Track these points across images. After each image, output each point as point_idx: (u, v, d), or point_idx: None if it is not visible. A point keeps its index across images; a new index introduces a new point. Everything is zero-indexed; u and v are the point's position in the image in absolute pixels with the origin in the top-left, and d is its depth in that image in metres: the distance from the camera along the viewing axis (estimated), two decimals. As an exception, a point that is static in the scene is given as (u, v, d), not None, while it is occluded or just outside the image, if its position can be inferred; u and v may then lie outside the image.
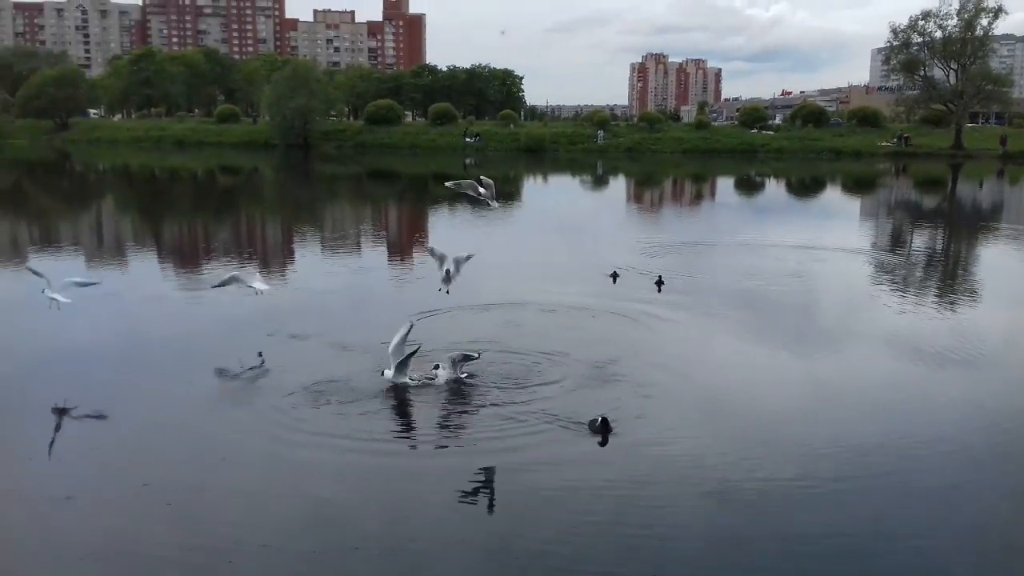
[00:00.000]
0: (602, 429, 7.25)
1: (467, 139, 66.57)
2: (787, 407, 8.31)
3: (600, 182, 45.06)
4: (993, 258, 19.42)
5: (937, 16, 61.73)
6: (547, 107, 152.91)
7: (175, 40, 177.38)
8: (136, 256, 19.04)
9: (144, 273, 16.35)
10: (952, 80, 62.96)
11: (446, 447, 7.33)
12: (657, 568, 5.36)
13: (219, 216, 26.81)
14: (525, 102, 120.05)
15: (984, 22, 60.68)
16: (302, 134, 66.20)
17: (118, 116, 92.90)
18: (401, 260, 18.38)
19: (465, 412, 8.00)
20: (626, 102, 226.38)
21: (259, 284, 11.11)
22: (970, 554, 5.60)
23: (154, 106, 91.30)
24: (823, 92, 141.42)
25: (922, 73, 64.49)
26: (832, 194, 40.67)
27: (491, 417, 7.78)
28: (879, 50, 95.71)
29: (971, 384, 9.14)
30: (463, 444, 7.33)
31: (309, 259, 18.24)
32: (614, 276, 14.38)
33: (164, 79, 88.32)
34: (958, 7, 60.74)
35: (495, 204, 10.64)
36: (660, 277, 13.90)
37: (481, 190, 9.97)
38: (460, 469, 6.79)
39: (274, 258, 18.50)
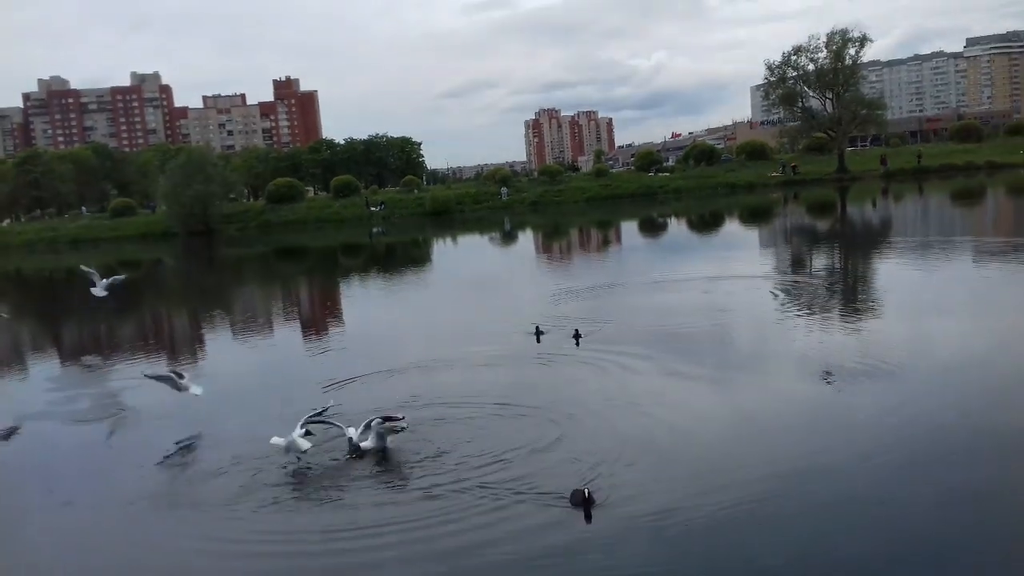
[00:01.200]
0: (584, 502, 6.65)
1: (371, 208, 66.49)
2: (716, 437, 8.35)
3: (509, 238, 45.48)
4: (888, 272, 20.26)
5: (808, 50, 65.29)
6: (448, 169, 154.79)
7: (61, 139, 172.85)
8: (34, 361, 18.20)
9: (42, 377, 15.63)
10: (829, 108, 66.30)
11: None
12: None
13: (121, 311, 25.91)
14: (426, 166, 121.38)
15: (852, 51, 64.37)
16: (202, 220, 64.88)
17: (7, 221, 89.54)
18: (316, 334, 18.05)
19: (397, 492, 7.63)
20: (524, 157, 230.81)
21: (195, 388, 10.79)
22: (901, 558, 5.70)
23: (44, 207, 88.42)
24: (711, 131, 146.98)
25: (800, 104, 67.78)
26: (731, 227, 41.98)
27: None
28: (758, 86, 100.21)
29: (881, 395, 9.40)
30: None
31: (220, 345, 17.76)
32: (538, 333, 13.84)
33: (53, 178, 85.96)
34: (826, 40, 64.38)
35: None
36: (577, 331, 13.43)
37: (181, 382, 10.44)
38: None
39: (183, 347, 17.93)
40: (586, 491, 6.69)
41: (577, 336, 13.27)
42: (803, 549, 5.97)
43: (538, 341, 13.55)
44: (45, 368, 17.01)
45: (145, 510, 7.75)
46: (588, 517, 6.52)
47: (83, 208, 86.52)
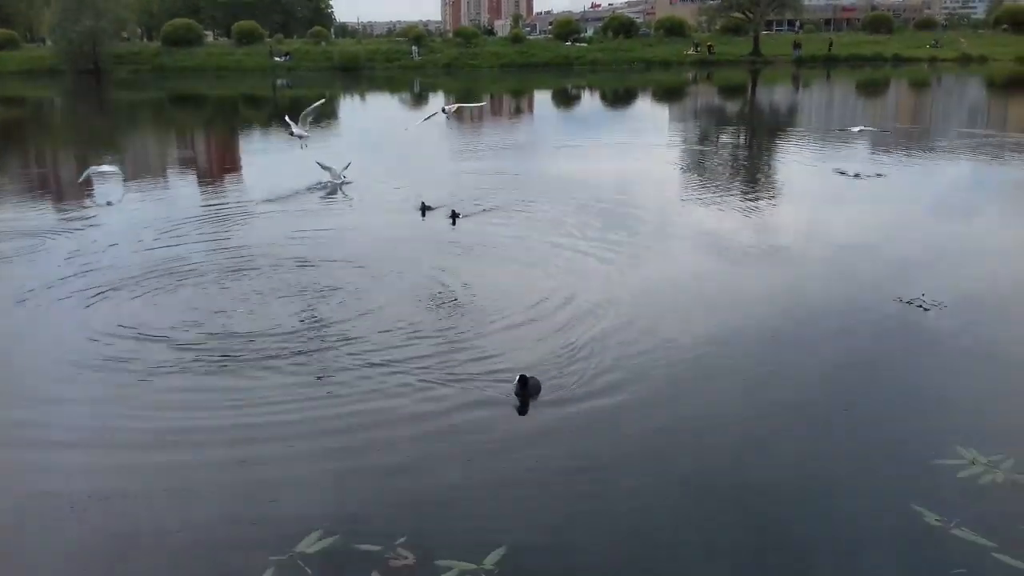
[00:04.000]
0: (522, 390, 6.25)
1: (276, 58, 63.57)
2: (615, 311, 8.39)
3: (420, 99, 44.38)
4: (786, 157, 20.80)
5: (732, -76, 64.10)
6: (359, 24, 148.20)
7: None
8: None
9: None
10: (748, -11, 65.91)
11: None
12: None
13: (5, 152, 24.43)
14: (335, 19, 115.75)
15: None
16: (92, 59, 60.88)
17: None
18: (212, 186, 17.48)
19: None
20: (439, 17, 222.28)
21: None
22: (785, 431, 6.07)
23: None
24: (630, 4, 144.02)
25: (720, -18, 67.12)
26: (643, 104, 42.00)
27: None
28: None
29: (773, 276, 9.84)
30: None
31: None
32: (423, 209, 13.18)
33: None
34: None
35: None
36: (453, 211, 12.74)
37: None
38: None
39: (71, 194, 17.12)
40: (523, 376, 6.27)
41: (454, 216, 12.59)
42: (697, 412, 6.26)
43: (423, 217, 13.01)
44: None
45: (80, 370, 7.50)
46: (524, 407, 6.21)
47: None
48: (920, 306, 8.36)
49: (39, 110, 42.36)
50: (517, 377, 6.26)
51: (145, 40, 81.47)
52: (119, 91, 51.21)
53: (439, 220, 12.73)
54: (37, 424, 6.16)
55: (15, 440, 5.97)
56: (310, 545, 4.57)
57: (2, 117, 38.36)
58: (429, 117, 10.21)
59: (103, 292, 9.18)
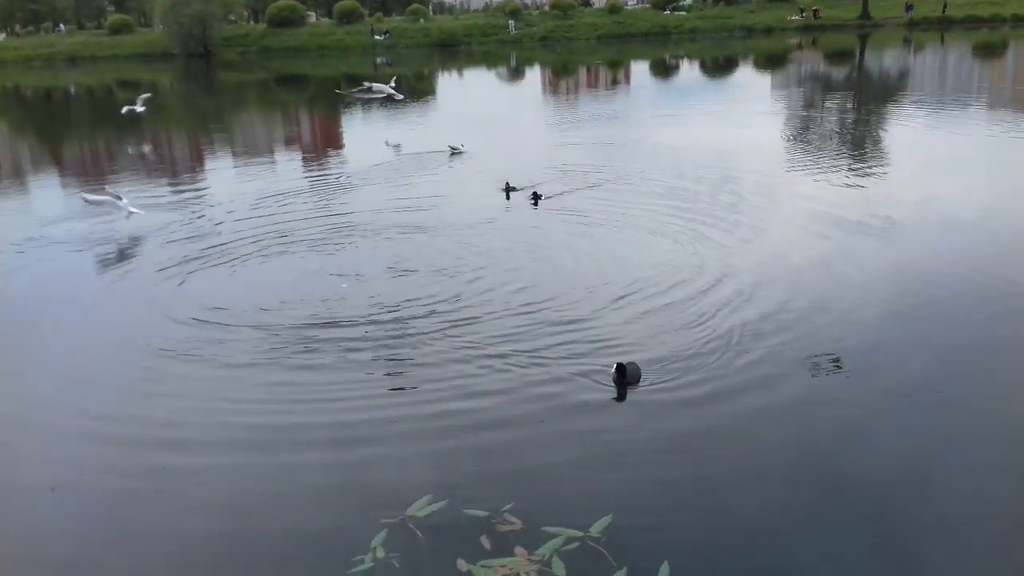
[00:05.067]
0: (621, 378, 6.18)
1: (376, 37, 64.48)
2: (723, 292, 8.28)
3: (516, 74, 44.33)
4: (899, 125, 19.95)
5: None
6: (456, 0, 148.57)
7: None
8: (38, 181, 18.21)
9: (48, 197, 15.75)
10: (857, -53, 63.05)
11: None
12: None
13: (122, 133, 25.64)
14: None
15: None
16: (202, 42, 63.19)
17: (2, 35, 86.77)
18: (318, 164, 17.97)
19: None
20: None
21: (133, 209, 11.61)
22: (893, 416, 5.89)
23: (40, 21, 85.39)
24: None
25: (828, -58, 64.38)
26: (745, 72, 40.88)
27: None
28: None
29: (884, 254, 9.47)
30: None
31: (223, 170, 17.73)
32: (508, 190, 12.93)
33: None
34: None
35: (400, 96, 10.76)
36: (535, 192, 12.51)
37: (389, 89, 10.35)
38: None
39: (184, 172, 17.88)
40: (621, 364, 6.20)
41: (536, 198, 12.39)
42: (799, 393, 6.13)
43: (507, 198, 12.74)
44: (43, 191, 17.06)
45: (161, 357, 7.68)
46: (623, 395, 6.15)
47: (61, 27, 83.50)
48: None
49: (154, 93, 44.18)
50: (615, 365, 6.22)
51: (251, 22, 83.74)
52: (228, 73, 52.95)
53: (523, 201, 12.52)
54: (147, 419, 6.50)
55: (132, 434, 6.13)
56: (420, 509, 4.72)
57: (121, 99, 40.21)
58: (361, 89, 9.97)
59: (203, 266, 9.65)
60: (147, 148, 20.41)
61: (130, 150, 20.91)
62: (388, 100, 10.21)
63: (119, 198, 11.60)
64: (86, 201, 11.89)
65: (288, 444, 5.67)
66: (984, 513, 4.60)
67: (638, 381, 6.19)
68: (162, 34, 68.27)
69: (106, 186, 13.16)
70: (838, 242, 9.85)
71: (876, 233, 10.10)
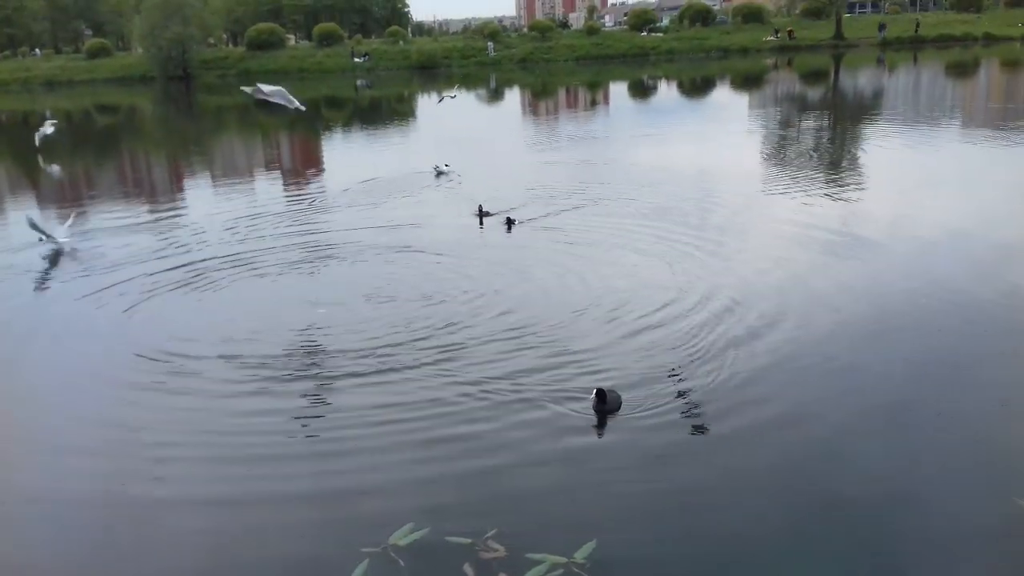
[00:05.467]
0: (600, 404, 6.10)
1: (356, 59, 64.65)
2: (706, 316, 8.33)
3: (495, 96, 44.55)
4: (874, 143, 20.15)
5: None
6: (435, 22, 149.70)
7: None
8: (15, 205, 18.03)
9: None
10: (830, -31, 64.03)
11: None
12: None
13: (101, 158, 25.49)
14: (412, 18, 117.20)
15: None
16: (181, 65, 63.14)
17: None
18: (296, 188, 17.91)
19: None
20: (514, 12, 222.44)
21: (62, 237, 11.79)
22: (876, 432, 5.96)
23: (16, 46, 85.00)
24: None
25: (800, -36, 65.35)
26: (723, 92, 41.29)
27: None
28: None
29: (862, 271, 9.52)
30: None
31: (201, 193, 17.63)
32: (481, 215, 12.64)
33: (25, 16, 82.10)
34: None
35: (296, 105, 11.02)
36: (509, 218, 12.24)
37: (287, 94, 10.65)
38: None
39: (163, 195, 17.77)
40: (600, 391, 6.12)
41: (509, 223, 12.12)
42: (785, 416, 6.10)
43: (480, 225, 12.45)
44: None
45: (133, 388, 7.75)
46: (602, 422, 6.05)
47: (36, 51, 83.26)
48: None
49: (131, 117, 44.03)
50: (595, 391, 6.14)
51: (230, 45, 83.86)
52: (207, 96, 52.86)
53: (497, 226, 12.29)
54: (138, 441, 6.40)
55: (107, 467, 6.11)
56: (402, 537, 4.66)
57: (99, 124, 40.03)
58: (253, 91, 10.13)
59: (175, 292, 9.57)
60: (55, 168, 21.22)
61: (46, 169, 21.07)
62: (282, 107, 10.39)
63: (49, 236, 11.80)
64: (32, 223, 11.85)
65: (266, 475, 5.58)
66: (969, 531, 4.60)
67: (618, 408, 6.12)
68: (141, 57, 68.18)
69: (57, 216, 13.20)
70: (816, 261, 9.89)
71: (854, 252, 10.14)
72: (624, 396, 6.23)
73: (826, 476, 5.29)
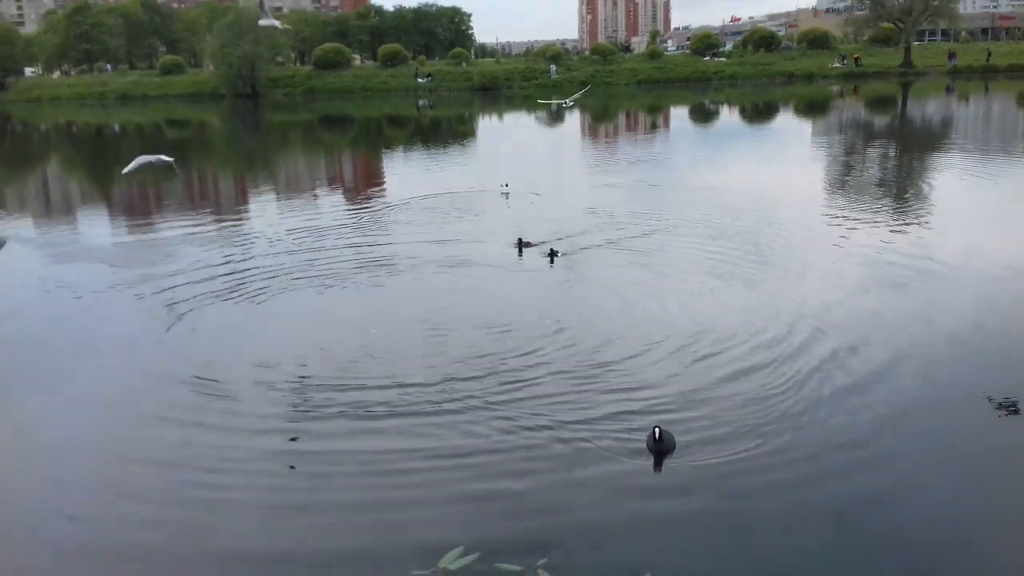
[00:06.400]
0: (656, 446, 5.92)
1: (419, 79, 65.55)
2: (773, 354, 8.13)
3: (556, 118, 44.68)
4: (942, 175, 19.66)
5: (882, -66, 61.37)
6: (497, 44, 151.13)
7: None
8: (87, 215, 18.63)
9: (95, 231, 16.07)
10: (899, -3, 62.93)
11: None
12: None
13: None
14: (475, 40, 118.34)
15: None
16: (250, 82, 64.77)
17: (56, 73, 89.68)
18: (356, 203, 18.15)
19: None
20: (576, 35, 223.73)
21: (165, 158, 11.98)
22: (936, 467, 5.80)
23: (93, 61, 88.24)
24: (772, 17, 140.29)
25: (869, -9, 64.34)
26: (785, 117, 40.78)
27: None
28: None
29: (923, 298, 9.29)
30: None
31: (266, 209, 17.99)
32: (520, 246, 12.16)
33: (102, 32, 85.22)
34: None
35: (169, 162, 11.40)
36: (552, 249, 11.71)
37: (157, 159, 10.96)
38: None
39: (229, 209, 18.17)
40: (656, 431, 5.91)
41: (552, 255, 11.61)
42: (840, 451, 5.99)
43: (520, 255, 12.00)
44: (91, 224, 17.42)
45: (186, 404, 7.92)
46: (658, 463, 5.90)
47: (108, 67, 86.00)
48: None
49: (200, 132, 45.24)
50: (653, 429, 5.97)
51: (298, 64, 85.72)
52: (274, 113, 54.06)
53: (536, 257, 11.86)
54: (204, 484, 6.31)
55: (163, 487, 6.19)
56: (452, 561, 4.62)
57: (170, 139, 41.24)
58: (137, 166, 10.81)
59: (229, 306, 9.73)
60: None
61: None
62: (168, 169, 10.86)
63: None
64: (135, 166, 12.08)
65: (317, 498, 5.63)
66: None
67: (673, 449, 5.98)
68: (211, 74, 70.12)
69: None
70: (880, 292, 9.65)
71: (917, 282, 9.90)
72: (683, 435, 6.12)
73: (888, 523, 5.12)
